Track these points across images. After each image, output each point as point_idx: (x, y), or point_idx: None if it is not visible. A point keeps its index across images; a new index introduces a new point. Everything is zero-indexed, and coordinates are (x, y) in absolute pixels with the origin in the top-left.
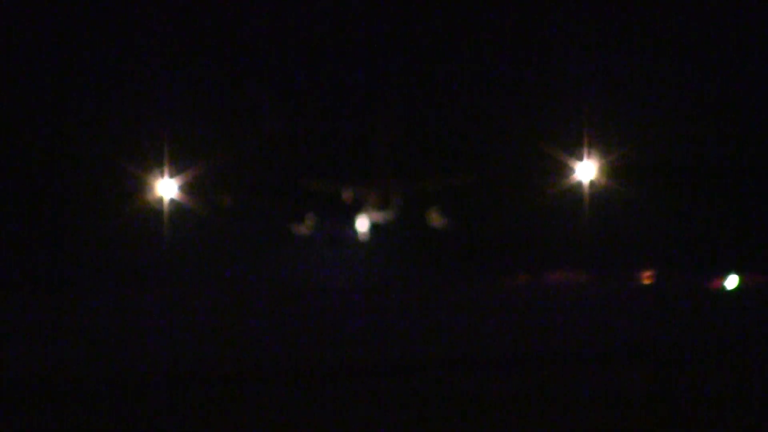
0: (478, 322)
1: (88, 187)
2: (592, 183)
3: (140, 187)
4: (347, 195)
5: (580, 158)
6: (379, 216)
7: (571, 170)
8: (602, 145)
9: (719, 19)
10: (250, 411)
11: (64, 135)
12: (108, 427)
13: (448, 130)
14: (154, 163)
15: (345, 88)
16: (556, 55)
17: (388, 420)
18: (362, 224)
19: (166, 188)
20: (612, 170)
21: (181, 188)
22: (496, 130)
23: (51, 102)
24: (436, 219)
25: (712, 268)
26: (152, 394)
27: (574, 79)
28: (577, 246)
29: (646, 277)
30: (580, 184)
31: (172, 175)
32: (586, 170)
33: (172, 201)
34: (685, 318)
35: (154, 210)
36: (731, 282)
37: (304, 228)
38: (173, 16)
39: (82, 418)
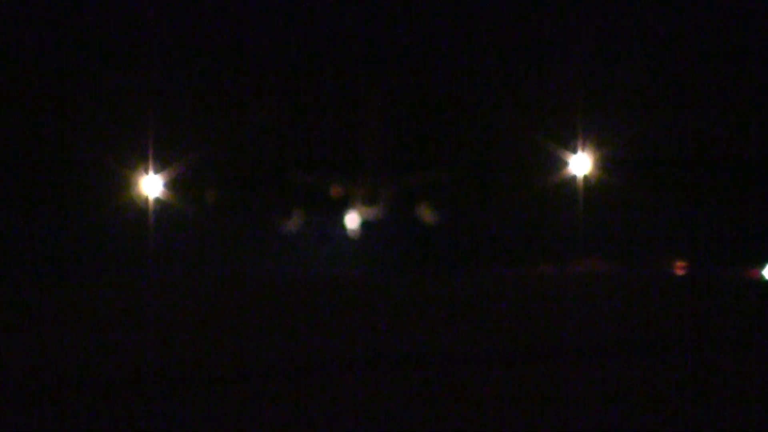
0: (482, 316)
1: (70, 185)
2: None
3: (124, 184)
4: (337, 189)
5: (574, 151)
6: (369, 210)
7: (565, 163)
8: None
9: (716, 7)
10: (242, 408)
11: (44, 132)
12: (95, 425)
13: (440, 123)
14: (137, 160)
15: (333, 80)
16: (549, 46)
17: (388, 419)
18: (352, 219)
19: (151, 185)
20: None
21: (167, 185)
22: (488, 123)
23: (31, 98)
24: (427, 212)
25: (750, 258)
26: (140, 391)
27: (567, 70)
28: (600, 237)
29: (679, 268)
30: (576, 177)
31: (156, 172)
32: (579, 163)
33: (157, 199)
34: (721, 310)
35: (139, 208)
36: None
37: (293, 223)
38: (158, 10)
39: (69, 417)
